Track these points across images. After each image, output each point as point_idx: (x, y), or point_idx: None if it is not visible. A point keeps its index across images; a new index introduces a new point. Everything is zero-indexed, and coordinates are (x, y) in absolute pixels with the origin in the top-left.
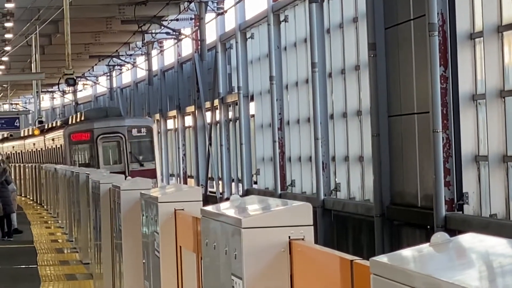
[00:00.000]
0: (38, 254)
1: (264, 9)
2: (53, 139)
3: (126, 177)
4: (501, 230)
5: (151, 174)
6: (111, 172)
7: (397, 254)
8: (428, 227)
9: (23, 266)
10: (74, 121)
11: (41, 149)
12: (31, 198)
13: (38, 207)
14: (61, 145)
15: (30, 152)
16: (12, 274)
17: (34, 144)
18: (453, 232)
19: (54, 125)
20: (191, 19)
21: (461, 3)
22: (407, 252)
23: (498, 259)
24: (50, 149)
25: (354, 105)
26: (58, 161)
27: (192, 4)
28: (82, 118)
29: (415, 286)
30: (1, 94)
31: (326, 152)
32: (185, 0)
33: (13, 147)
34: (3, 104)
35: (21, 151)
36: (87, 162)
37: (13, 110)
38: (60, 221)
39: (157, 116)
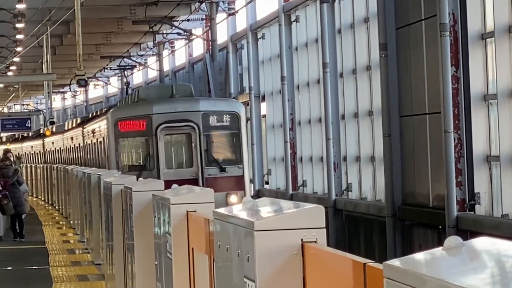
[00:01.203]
0: (50, 255)
1: (275, 9)
2: (93, 132)
3: (200, 185)
4: None
5: (236, 183)
6: (178, 181)
7: (410, 257)
8: (440, 227)
9: (35, 267)
10: (124, 103)
11: (79, 145)
12: (42, 199)
13: (50, 208)
14: (103, 138)
15: (68, 149)
16: (24, 275)
17: (72, 139)
18: (464, 232)
19: (99, 112)
20: (202, 19)
21: (472, 3)
22: (420, 256)
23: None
24: (89, 145)
25: (365, 105)
26: (100, 164)
27: (203, 5)
28: (136, 100)
29: (412, 285)
30: (13, 94)
31: (338, 152)
32: (196, 0)
33: (52, 143)
34: (14, 104)
35: (60, 148)
36: (141, 164)
37: (25, 110)
38: (71, 222)
39: None
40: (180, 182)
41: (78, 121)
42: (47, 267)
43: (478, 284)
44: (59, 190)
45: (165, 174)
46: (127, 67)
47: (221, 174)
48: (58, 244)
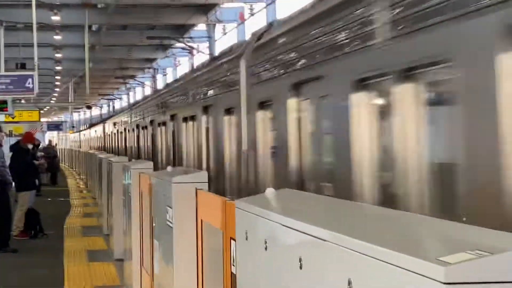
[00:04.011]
0: (70, 193)
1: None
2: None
3: None
4: None
5: None
6: None
7: (249, 198)
8: None
9: (62, 199)
10: None
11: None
12: (67, 165)
13: (71, 169)
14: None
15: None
16: (56, 203)
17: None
18: None
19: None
20: (150, 77)
21: None
22: (254, 197)
23: (302, 202)
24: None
25: None
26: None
27: (151, 70)
28: None
29: (254, 212)
30: (53, 111)
31: None
32: (146, 67)
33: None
34: (52, 117)
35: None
36: None
37: (58, 120)
38: (82, 177)
39: None
40: None
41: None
42: (69, 199)
43: (272, 208)
44: (75, 159)
45: None
46: (114, 99)
47: None
48: (75, 188)
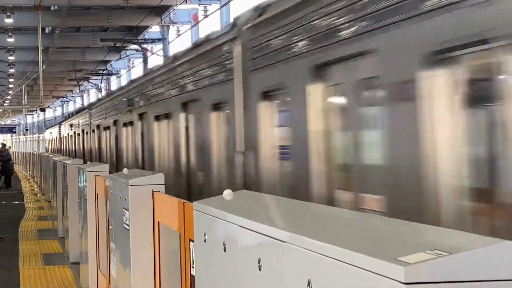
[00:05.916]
0: (24, 196)
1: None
2: None
3: None
4: None
5: None
6: None
7: (207, 200)
8: None
9: (17, 202)
10: None
11: None
12: (21, 168)
13: (25, 172)
14: None
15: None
16: (11, 206)
17: None
18: None
19: None
20: (104, 79)
21: None
22: (212, 199)
23: (260, 203)
24: None
25: None
26: None
27: (105, 72)
28: None
29: (212, 214)
30: (6, 114)
31: None
32: (100, 69)
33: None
34: (7, 120)
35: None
36: None
37: (13, 123)
38: (36, 179)
39: None
40: None
41: None
42: (23, 202)
43: (231, 210)
44: (30, 162)
45: None
46: (66, 100)
47: None
48: (29, 191)
